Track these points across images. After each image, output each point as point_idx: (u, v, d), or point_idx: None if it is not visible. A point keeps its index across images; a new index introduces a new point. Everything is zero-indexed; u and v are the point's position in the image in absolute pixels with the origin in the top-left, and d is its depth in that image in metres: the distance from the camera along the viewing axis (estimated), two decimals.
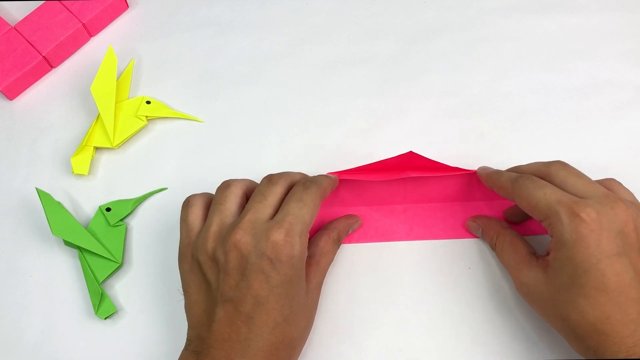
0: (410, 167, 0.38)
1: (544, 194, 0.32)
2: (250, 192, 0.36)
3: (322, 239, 0.38)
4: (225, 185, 0.36)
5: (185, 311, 0.35)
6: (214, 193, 0.37)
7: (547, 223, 0.33)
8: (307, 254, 0.34)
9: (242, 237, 0.32)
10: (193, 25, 0.50)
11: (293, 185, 0.36)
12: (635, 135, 0.43)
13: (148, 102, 0.46)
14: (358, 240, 0.40)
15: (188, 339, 0.34)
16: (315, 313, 0.37)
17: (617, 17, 0.48)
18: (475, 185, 0.40)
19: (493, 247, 0.38)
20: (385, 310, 0.39)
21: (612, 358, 0.29)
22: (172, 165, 0.44)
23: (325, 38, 0.48)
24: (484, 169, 0.39)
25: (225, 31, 0.49)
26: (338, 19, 0.49)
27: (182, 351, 0.34)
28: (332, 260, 0.38)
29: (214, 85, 0.47)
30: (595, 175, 0.35)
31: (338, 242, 0.39)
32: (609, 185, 0.34)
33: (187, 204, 0.37)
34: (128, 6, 0.50)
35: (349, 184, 0.40)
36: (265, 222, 0.33)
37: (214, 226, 0.34)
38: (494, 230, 0.38)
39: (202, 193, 0.37)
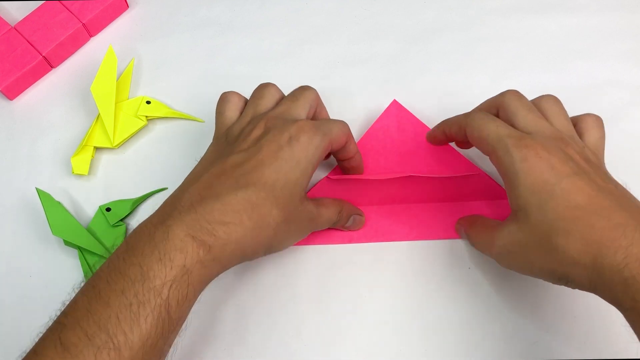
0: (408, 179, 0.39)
1: (495, 127, 0.33)
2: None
3: (333, 202, 0.39)
4: (264, 85, 0.38)
5: (184, 181, 0.35)
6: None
7: (495, 157, 0.33)
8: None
9: (272, 115, 0.35)
10: (193, 25, 0.50)
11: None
12: (635, 135, 0.43)
13: (148, 102, 0.46)
14: (358, 240, 0.40)
15: (162, 206, 0.33)
16: (298, 232, 0.37)
17: (617, 17, 0.48)
18: (475, 185, 0.40)
19: (469, 238, 0.38)
20: (385, 310, 0.39)
21: (612, 263, 0.28)
22: (172, 165, 0.44)
23: (325, 38, 0.48)
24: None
25: (225, 31, 0.49)
26: (338, 19, 0.49)
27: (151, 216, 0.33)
28: (328, 221, 0.38)
29: (214, 85, 0.47)
30: None
31: (338, 214, 0.39)
32: (576, 122, 0.36)
33: (225, 99, 0.38)
34: (128, 6, 0.50)
35: (350, 184, 0.40)
36: (298, 118, 0.35)
37: (250, 115, 0.36)
38: (467, 222, 0.38)
39: (236, 92, 0.39)
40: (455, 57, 0.47)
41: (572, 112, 0.44)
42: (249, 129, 0.35)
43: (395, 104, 0.41)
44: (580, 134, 0.35)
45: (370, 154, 0.41)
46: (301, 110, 0.36)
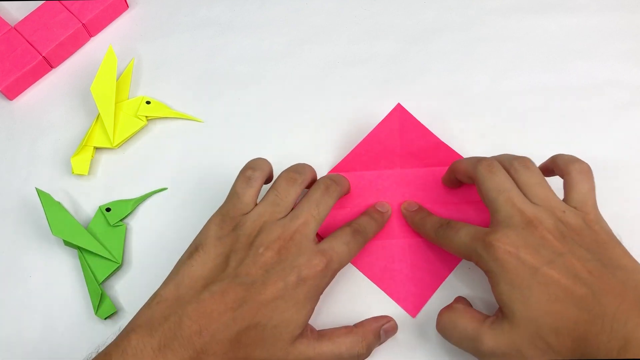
0: (402, 144, 0.40)
1: (459, 238, 0.34)
2: (309, 184, 0.38)
3: (349, 332, 0.35)
4: (292, 180, 0.36)
5: (178, 266, 0.34)
6: (271, 167, 0.38)
7: (474, 263, 0.34)
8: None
9: (286, 244, 0.33)
10: (193, 25, 0.50)
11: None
12: (635, 135, 0.43)
13: (148, 102, 0.46)
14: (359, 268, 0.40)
15: (159, 295, 0.32)
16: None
17: (617, 17, 0.48)
18: (460, 188, 0.41)
19: (445, 327, 0.35)
20: (385, 310, 0.38)
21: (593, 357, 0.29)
22: (172, 165, 0.44)
23: (325, 38, 0.48)
24: (407, 208, 0.40)
25: (225, 31, 0.49)
26: (338, 19, 0.49)
27: (147, 305, 0.32)
28: (340, 354, 0.34)
29: (214, 85, 0.47)
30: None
31: (360, 338, 0.35)
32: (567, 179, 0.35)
33: (248, 179, 0.36)
34: (128, 6, 0.50)
35: (353, 180, 0.41)
36: (310, 239, 0.34)
37: (267, 216, 0.35)
38: (446, 308, 0.36)
39: (263, 166, 0.37)
40: (455, 57, 0.47)
41: (572, 112, 0.44)
42: (260, 243, 0.33)
43: (399, 108, 0.41)
44: (566, 191, 0.35)
45: (371, 156, 0.41)
46: (316, 231, 0.35)
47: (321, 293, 0.34)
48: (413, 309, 0.38)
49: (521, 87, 0.45)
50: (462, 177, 0.38)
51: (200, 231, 0.35)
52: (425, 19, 0.49)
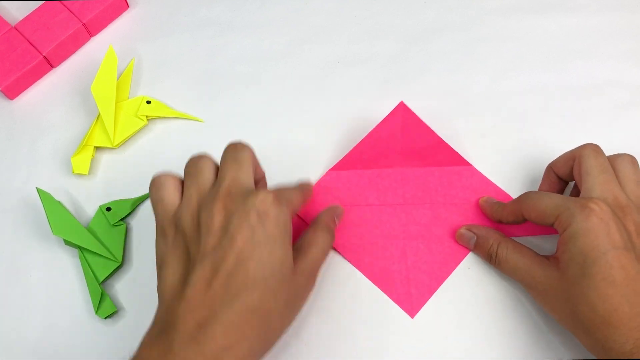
0: (404, 141, 0.40)
1: (551, 199, 0.34)
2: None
3: (309, 231, 0.37)
4: (196, 159, 0.35)
5: (158, 292, 0.32)
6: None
7: (558, 222, 0.33)
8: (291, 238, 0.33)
9: (224, 192, 0.32)
10: (193, 25, 0.50)
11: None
12: (635, 135, 0.43)
13: (148, 102, 0.46)
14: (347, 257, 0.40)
15: (153, 322, 0.31)
16: (301, 302, 0.35)
17: (617, 17, 0.48)
18: (470, 181, 0.41)
19: (492, 255, 0.38)
20: (385, 310, 0.39)
21: (620, 350, 0.29)
22: (172, 165, 0.44)
23: (325, 38, 0.48)
24: (485, 200, 0.40)
25: (225, 31, 0.49)
26: (338, 19, 0.49)
27: (142, 340, 0.31)
28: (323, 250, 0.36)
29: (214, 85, 0.47)
30: None
31: (326, 231, 0.37)
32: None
33: (157, 184, 0.35)
34: (128, 6, 0.50)
35: (354, 177, 0.41)
36: (249, 187, 0.33)
37: (195, 196, 0.33)
38: (494, 239, 0.38)
39: (168, 172, 0.36)
40: (455, 57, 0.47)
41: (572, 112, 0.44)
42: (205, 216, 0.31)
43: (402, 106, 0.41)
44: None
45: (372, 155, 0.41)
46: (249, 176, 0.34)
47: (290, 227, 0.33)
48: (411, 310, 0.38)
49: (521, 87, 0.45)
50: (562, 167, 0.38)
51: (155, 252, 0.34)
52: (425, 19, 0.49)
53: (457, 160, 0.41)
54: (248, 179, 0.33)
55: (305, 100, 0.46)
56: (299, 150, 0.44)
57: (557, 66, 0.46)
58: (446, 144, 0.41)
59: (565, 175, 0.38)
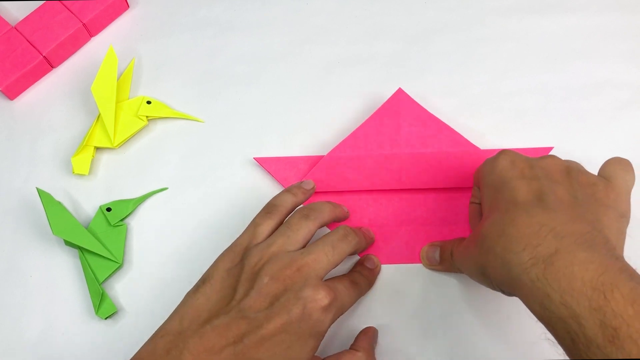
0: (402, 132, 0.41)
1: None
2: (325, 224, 0.37)
3: (346, 353, 0.36)
4: (305, 216, 0.36)
5: (185, 299, 0.33)
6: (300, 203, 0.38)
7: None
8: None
9: (293, 274, 0.32)
10: (193, 25, 0.50)
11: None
12: (635, 135, 0.43)
13: (148, 102, 0.46)
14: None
15: (164, 330, 0.32)
16: None
17: (617, 17, 0.48)
18: (473, 165, 0.41)
19: (449, 259, 0.37)
20: (385, 310, 0.39)
21: (518, 261, 0.29)
22: (172, 165, 0.44)
23: (325, 38, 0.48)
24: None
25: (225, 31, 0.49)
26: (338, 19, 0.49)
27: (151, 339, 0.32)
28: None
29: (214, 85, 0.47)
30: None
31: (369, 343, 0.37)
32: None
33: (269, 211, 0.36)
34: (128, 6, 0.50)
35: (350, 163, 0.41)
36: (319, 276, 0.33)
37: (275, 247, 0.34)
38: (450, 244, 0.38)
39: (286, 203, 0.37)
40: (455, 57, 0.47)
41: (572, 112, 0.44)
42: (265, 275, 0.32)
43: (400, 92, 0.42)
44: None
45: (372, 139, 0.42)
46: (330, 265, 0.34)
47: (325, 332, 0.33)
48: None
49: (521, 87, 0.45)
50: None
51: (212, 264, 0.35)
52: (425, 19, 0.49)
53: (460, 142, 0.42)
54: (322, 271, 0.33)
55: (305, 100, 0.46)
56: (299, 150, 0.44)
57: (557, 66, 0.46)
58: (447, 126, 0.42)
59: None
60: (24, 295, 0.40)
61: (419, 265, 0.40)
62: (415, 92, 0.45)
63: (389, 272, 0.40)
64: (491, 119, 0.44)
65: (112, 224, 0.41)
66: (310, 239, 0.36)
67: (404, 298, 0.39)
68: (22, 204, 0.43)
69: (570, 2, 0.49)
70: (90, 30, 0.49)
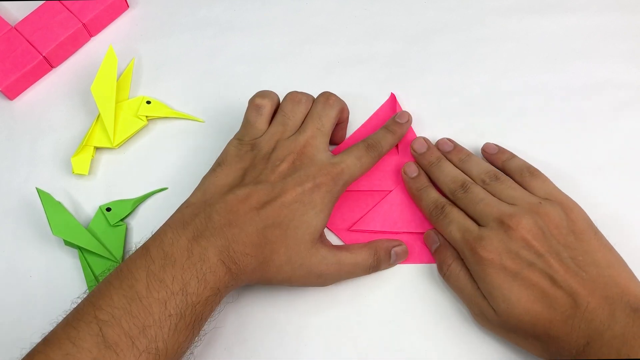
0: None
1: (450, 232, 0.37)
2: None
3: (362, 245, 0.39)
4: (297, 100, 0.40)
5: (203, 180, 0.37)
6: (279, 95, 0.41)
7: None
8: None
9: (301, 152, 0.37)
10: (193, 25, 0.50)
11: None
12: (635, 135, 0.43)
13: (148, 102, 0.46)
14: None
15: (188, 202, 0.36)
16: (310, 275, 0.36)
17: (617, 17, 0.48)
18: None
19: (444, 267, 0.38)
20: (384, 310, 0.39)
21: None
22: (172, 165, 0.44)
23: (325, 38, 0.48)
24: (406, 172, 0.41)
25: (225, 31, 0.49)
26: (338, 19, 0.49)
27: (177, 210, 0.35)
28: (355, 266, 0.38)
29: (214, 85, 0.47)
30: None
31: (371, 254, 0.38)
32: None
33: (257, 107, 0.39)
34: (128, 6, 0.50)
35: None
36: (326, 150, 0.38)
37: (278, 135, 0.38)
38: (452, 252, 0.38)
39: (270, 95, 0.40)
40: (455, 57, 0.47)
41: (572, 112, 0.44)
42: (276, 158, 0.37)
43: (392, 98, 0.44)
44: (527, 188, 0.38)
45: None
46: (325, 138, 0.38)
47: (335, 201, 0.37)
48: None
49: (521, 87, 0.45)
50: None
51: (221, 153, 0.39)
52: (425, 19, 0.49)
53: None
54: (323, 142, 0.38)
55: None
56: None
57: (557, 66, 0.46)
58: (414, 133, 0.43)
59: None
60: (24, 295, 0.40)
61: (423, 265, 0.40)
62: (415, 92, 0.45)
63: (392, 272, 0.40)
64: (491, 119, 0.44)
65: (111, 224, 0.41)
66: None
67: (408, 297, 0.39)
68: (22, 204, 0.43)
69: (570, 2, 0.49)
70: (90, 30, 0.49)
